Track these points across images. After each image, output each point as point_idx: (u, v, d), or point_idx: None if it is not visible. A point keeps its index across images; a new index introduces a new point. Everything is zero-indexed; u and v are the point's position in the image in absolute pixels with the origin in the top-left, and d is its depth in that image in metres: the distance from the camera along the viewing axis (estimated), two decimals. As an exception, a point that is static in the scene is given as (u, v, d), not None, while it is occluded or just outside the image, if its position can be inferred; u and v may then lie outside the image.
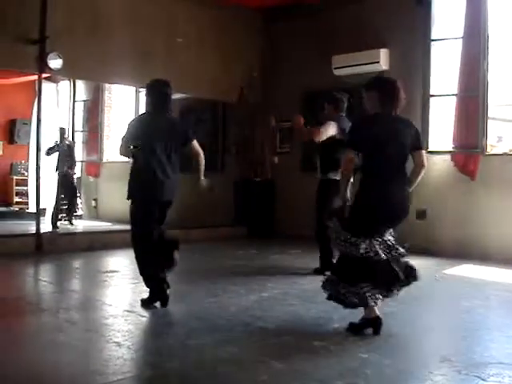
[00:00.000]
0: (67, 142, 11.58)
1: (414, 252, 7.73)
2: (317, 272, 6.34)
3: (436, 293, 5.79)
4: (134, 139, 5.13)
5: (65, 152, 11.03)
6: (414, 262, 7.31)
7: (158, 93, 5.19)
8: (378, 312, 4.16)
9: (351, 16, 9.14)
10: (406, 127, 4.31)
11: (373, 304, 4.11)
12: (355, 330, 4.17)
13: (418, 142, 4.40)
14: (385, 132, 4.20)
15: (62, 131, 11.44)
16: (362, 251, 4.11)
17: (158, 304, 4.94)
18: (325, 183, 6.45)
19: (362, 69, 8.73)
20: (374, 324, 4.14)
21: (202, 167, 5.60)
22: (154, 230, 5.11)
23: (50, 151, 10.81)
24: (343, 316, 4.48)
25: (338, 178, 5.95)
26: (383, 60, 8.68)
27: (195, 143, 5.50)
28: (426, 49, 8.43)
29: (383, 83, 4.42)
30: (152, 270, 5.04)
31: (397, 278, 4.26)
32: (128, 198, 5.16)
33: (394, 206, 4.40)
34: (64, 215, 11.42)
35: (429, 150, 8.35)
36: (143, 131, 5.09)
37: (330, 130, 6.33)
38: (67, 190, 11.18)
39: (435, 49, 8.43)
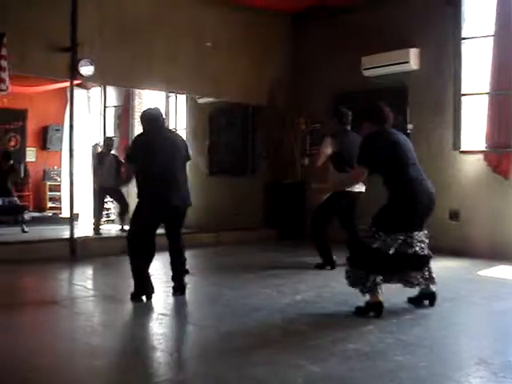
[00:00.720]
0: (113, 153, 11.28)
1: (448, 253, 7.76)
2: (318, 267, 6.99)
3: (470, 294, 5.71)
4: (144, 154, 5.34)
5: (111, 163, 10.79)
6: (448, 263, 7.31)
7: (156, 113, 5.56)
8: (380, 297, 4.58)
9: (380, 16, 9.08)
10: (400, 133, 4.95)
11: (379, 291, 4.55)
12: (361, 313, 4.61)
13: None
14: (395, 144, 4.71)
15: (109, 142, 11.23)
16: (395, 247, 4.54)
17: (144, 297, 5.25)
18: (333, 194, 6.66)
19: (392, 69, 8.67)
20: (376, 308, 4.57)
21: None
22: (152, 233, 5.41)
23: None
24: (377, 318, 4.47)
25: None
26: (413, 60, 8.59)
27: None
28: (456, 47, 8.33)
29: (370, 112, 4.92)
30: (142, 268, 5.32)
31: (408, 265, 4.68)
32: (138, 197, 5.44)
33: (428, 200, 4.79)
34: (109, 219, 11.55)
35: (461, 149, 8.27)
36: (154, 146, 5.36)
37: (328, 148, 6.77)
38: (114, 196, 11.08)
39: (466, 47, 8.33)
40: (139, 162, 5.36)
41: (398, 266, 4.64)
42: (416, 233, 4.70)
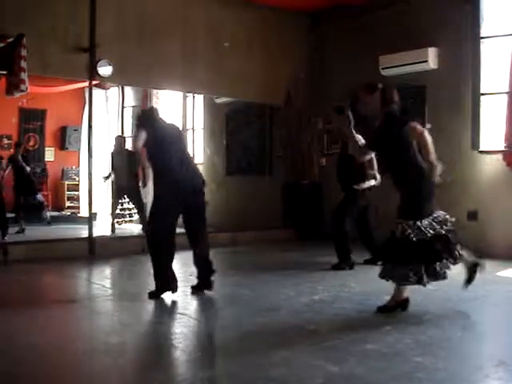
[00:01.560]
0: (127, 149, 11.34)
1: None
2: (336, 267, 6.94)
3: (489, 295, 5.67)
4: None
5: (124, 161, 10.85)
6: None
7: (149, 110, 5.92)
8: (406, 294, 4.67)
9: (398, 15, 9.05)
10: None
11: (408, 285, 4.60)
12: (388, 311, 4.65)
13: None
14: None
15: (121, 139, 11.27)
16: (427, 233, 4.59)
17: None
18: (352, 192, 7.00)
19: (410, 68, 8.64)
20: (403, 304, 4.66)
21: None
22: (172, 227, 5.47)
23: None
24: (396, 318, 4.46)
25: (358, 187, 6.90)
26: (431, 59, 8.55)
27: None
28: (475, 47, 8.27)
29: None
30: (163, 264, 5.38)
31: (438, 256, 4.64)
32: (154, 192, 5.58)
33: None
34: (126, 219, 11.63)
35: (480, 149, 8.21)
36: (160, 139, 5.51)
37: None
38: (130, 195, 11.12)
39: (485, 46, 8.28)
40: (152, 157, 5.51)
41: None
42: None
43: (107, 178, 10.74)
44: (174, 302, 5.42)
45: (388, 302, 4.72)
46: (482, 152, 8.19)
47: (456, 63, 8.45)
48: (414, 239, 4.53)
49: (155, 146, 5.44)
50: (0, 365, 3.51)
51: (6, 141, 12.38)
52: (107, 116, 14.08)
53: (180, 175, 5.42)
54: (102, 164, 11.00)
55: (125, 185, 10.32)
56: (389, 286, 4.76)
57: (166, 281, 5.38)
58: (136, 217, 12.11)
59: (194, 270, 6.26)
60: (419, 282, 4.57)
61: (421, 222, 4.56)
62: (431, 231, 4.58)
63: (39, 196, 11.46)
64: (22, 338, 4.10)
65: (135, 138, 5.78)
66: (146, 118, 5.66)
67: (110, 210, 11.07)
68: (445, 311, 4.75)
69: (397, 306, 4.68)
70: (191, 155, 5.96)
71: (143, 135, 5.42)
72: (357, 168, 6.80)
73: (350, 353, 3.69)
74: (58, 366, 3.56)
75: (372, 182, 6.97)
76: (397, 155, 4.71)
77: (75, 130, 14.56)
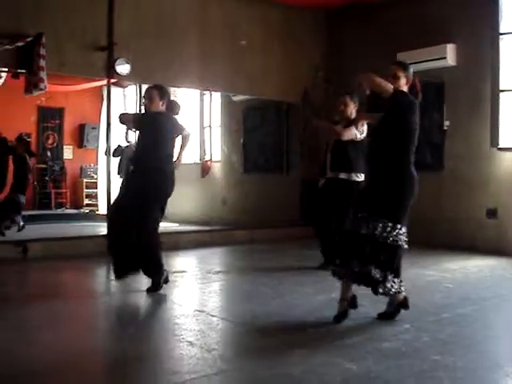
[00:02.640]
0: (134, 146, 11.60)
1: (485, 251, 7.66)
2: (321, 267, 6.56)
3: (509, 293, 5.63)
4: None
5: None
6: (486, 261, 7.22)
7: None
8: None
9: (416, 12, 9.00)
10: None
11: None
12: (389, 317, 4.43)
13: None
14: None
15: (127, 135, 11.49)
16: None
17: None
18: (341, 184, 6.47)
19: (429, 65, 8.57)
20: (404, 305, 4.41)
21: None
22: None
23: (115, 154, 10.77)
24: (414, 316, 4.44)
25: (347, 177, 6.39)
26: (450, 55, 8.49)
27: None
28: (494, 43, 8.20)
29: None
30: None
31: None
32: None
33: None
34: None
35: (499, 146, 8.14)
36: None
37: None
38: None
39: (504, 43, 8.21)
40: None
41: None
42: None
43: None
44: (192, 299, 5.45)
45: (387, 308, 4.50)
46: (501, 149, 8.12)
47: (475, 60, 8.38)
48: (388, 242, 4.26)
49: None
50: (19, 361, 3.53)
51: (27, 138, 12.45)
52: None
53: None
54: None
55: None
56: (406, 285, 4.72)
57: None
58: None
59: (212, 267, 6.31)
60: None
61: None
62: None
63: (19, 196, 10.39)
64: (40, 334, 4.14)
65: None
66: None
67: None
68: (463, 309, 4.72)
69: (397, 311, 4.45)
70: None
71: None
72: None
73: (367, 351, 3.68)
74: (74, 362, 3.58)
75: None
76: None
77: (93, 128, 14.69)
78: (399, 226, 4.26)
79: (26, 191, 10.47)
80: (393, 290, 4.28)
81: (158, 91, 5.55)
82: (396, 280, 4.30)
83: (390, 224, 4.22)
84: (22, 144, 10.49)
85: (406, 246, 4.33)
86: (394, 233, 4.24)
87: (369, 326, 4.37)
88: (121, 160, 11.10)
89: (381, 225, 4.20)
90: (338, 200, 6.35)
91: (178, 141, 5.71)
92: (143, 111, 6.09)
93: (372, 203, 4.28)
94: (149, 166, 5.42)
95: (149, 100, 5.53)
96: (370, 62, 9.61)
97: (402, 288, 4.36)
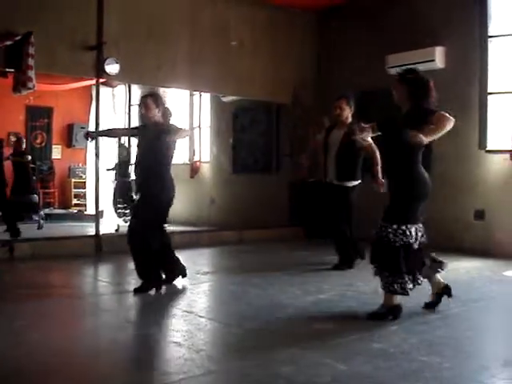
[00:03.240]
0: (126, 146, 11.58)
1: (473, 253, 7.70)
2: (337, 268, 6.79)
3: (496, 295, 5.67)
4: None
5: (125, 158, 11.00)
6: (473, 263, 7.27)
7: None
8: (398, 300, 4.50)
9: (405, 14, 9.03)
10: None
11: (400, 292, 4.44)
12: (378, 318, 4.45)
13: None
14: None
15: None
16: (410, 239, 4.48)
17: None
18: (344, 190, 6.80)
19: (418, 67, 8.58)
20: (394, 311, 4.46)
21: None
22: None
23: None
24: (402, 318, 4.46)
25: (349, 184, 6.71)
26: (439, 58, 8.53)
27: None
28: (483, 46, 8.24)
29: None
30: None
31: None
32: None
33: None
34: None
35: (487, 149, 8.19)
36: None
37: None
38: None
39: (493, 45, 8.25)
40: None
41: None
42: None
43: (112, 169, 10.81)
44: (180, 300, 5.44)
45: (379, 309, 4.55)
46: (489, 151, 8.17)
47: (463, 62, 8.43)
48: (397, 245, 4.42)
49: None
50: (8, 362, 3.52)
51: (13, 138, 12.40)
52: (114, 114, 14.13)
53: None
54: (109, 162, 11.08)
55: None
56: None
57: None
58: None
59: (200, 268, 6.31)
60: (403, 292, 4.45)
61: (406, 227, 4.47)
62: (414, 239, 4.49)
63: (35, 196, 10.93)
64: (28, 334, 4.12)
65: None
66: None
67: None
68: (451, 311, 4.74)
69: (387, 313, 4.49)
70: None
71: None
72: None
73: (356, 351, 3.69)
74: (63, 363, 3.56)
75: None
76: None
77: (82, 128, 14.61)
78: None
79: (30, 190, 10.68)
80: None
81: (153, 99, 5.61)
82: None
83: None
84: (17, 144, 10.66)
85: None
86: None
87: (357, 326, 4.38)
88: (120, 164, 11.04)
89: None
90: (340, 203, 6.77)
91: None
92: (138, 123, 6.25)
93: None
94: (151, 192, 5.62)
95: (145, 108, 5.58)
96: (359, 63, 9.67)
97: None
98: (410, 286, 4.45)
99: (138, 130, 6.08)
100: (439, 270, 4.72)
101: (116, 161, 11.65)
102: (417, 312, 4.70)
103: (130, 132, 6.03)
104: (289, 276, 6.48)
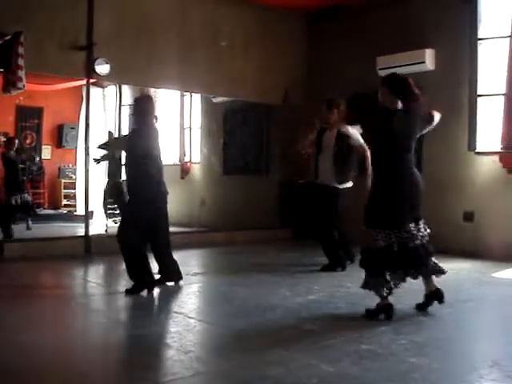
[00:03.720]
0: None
1: (461, 254, 7.73)
2: (325, 269, 6.81)
3: (484, 296, 5.70)
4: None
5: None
6: (462, 264, 7.29)
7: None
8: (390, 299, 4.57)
9: (396, 16, 9.05)
10: None
11: (386, 293, 4.52)
12: (371, 315, 4.54)
13: None
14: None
15: (111, 135, 11.44)
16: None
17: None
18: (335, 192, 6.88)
19: (408, 69, 8.57)
20: (386, 310, 4.51)
21: None
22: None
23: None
24: (391, 320, 4.47)
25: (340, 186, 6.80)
26: (429, 60, 8.56)
27: None
28: (472, 48, 8.28)
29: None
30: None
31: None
32: None
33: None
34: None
35: (476, 150, 8.23)
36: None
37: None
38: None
39: (482, 48, 8.29)
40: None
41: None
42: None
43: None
44: (170, 301, 5.43)
45: (374, 307, 4.63)
46: (478, 153, 8.20)
47: (453, 64, 8.46)
48: (373, 248, 4.54)
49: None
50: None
51: (2, 138, 12.34)
52: (104, 114, 14.08)
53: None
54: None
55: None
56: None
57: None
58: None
59: (190, 268, 6.30)
60: (377, 294, 4.57)
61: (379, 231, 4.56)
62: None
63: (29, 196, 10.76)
64: (17, 335, 4.10)
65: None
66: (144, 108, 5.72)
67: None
68: (440, 312, 4.75)
69: (378, 311, 4.56)
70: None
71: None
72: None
73: (345, 353, 3.70)
74: (53, 363, 3.56)
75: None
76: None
77: (72, 128, 14.55)
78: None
79: (20, 190, 10.46)
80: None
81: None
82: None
83: None
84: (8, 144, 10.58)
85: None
86: None
87: (346, 328, 4.39)
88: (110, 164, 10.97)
89: None
90: (330, 204, 6.85)
91: None
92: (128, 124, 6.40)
93: None
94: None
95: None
96: (350, 65, 9.68)
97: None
98: (386, 290, 4.53)
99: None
100: (438, 275, 4.78)
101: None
102: (406, 313, 4.71)
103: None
104: (278, 277, 6.49)
